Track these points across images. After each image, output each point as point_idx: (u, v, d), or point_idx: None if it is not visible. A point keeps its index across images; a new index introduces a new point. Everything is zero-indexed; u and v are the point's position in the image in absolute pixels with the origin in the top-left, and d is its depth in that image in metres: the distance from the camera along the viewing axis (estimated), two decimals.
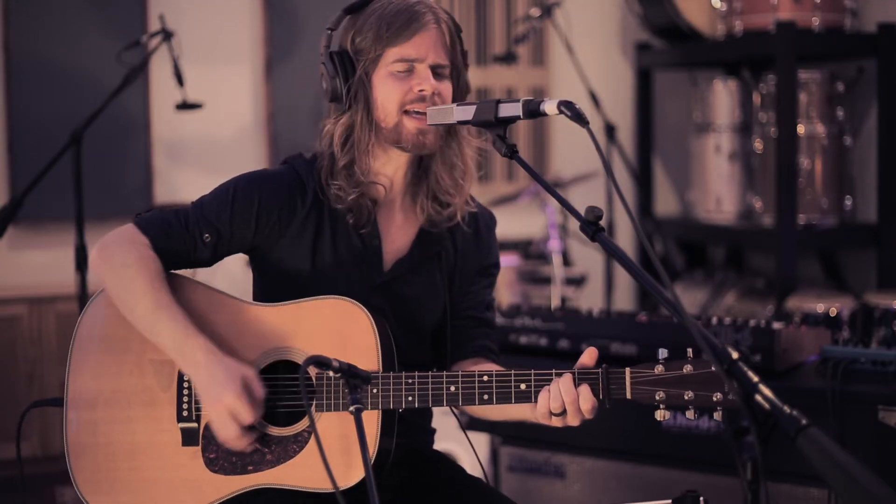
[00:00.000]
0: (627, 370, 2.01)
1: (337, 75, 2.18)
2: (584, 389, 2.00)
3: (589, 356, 2.04)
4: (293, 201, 2.21)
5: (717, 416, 1.98)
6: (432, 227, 2.28)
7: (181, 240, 2.17)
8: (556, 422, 2.03)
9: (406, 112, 2.16)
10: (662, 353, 2.01)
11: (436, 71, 2.17)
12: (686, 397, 1.97)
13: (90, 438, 2.16)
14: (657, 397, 1.99)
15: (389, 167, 2.24)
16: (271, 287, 2.26)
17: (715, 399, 1.96)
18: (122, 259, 2.13)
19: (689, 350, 1.99)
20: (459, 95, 2.25)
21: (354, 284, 2.21)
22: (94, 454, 2.16)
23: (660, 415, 2.00)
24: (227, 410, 2.04)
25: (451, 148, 2.25)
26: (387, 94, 2.16)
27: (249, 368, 2.08)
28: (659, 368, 1.99)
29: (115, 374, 2.17)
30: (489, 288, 2.38)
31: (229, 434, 2.06)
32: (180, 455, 2.14)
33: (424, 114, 2.14)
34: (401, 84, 2.16)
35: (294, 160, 2.28)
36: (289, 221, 2.20)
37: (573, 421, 2.02)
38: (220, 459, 2.13)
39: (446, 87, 2.19)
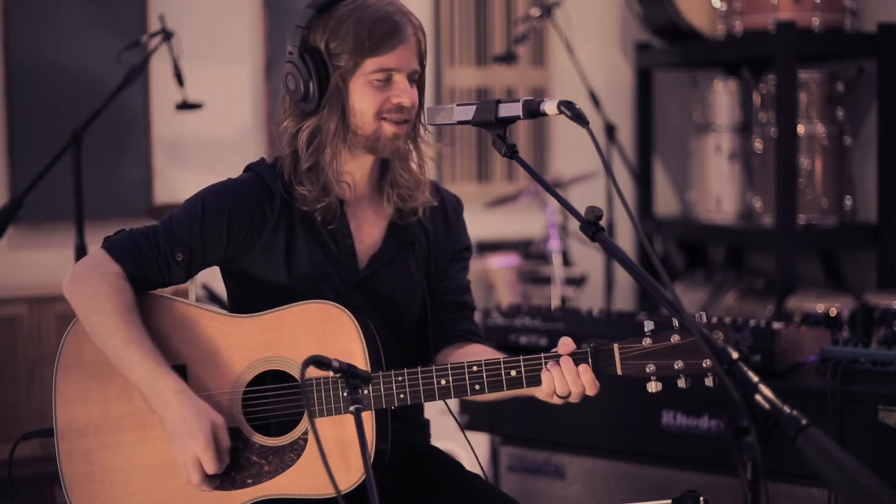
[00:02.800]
0: (615, 346, 2.00)
1: (311, 77, 2.15)
2: (590, 379, 2.00)
3: (565, 346, 2.04)
4: (262, 209, 2.19)
5: (709, 382, 1.97)
6: (401, 220, 2.28)
7: (154, 263, 2.16)
8: (557, 401, 2.05)
9: (383, 118, 2.16)
10: (648, 324, 1.99)
11: (411, 78, 2.18)
12: (676, 367, 1.97)
13: (85, 467, 2.14)
14: (647, 370, 1.98)
15: (354, 166, 2.23)
16: (248, 296, 2.24)
17: (705, 365, 1.96)
18: (93, 291, 2.11)
19: (675, 320, 1.98)
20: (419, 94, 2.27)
21: (332, 285, 2.21)
22: (90, 483, 2.14)
23: (651, 387, 1.99)
24: (193, 459, 2.06)
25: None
26: (364, 101, 2.15)
27: (219, 416, 2.08)
28: (646, 341, 1.99)
29: (103, 399, 2.15)
30: (464, 271, 2.39)
31: (193, 480, 2.08)
32: (177, 475, 2.12)
33: (402, 122, 2.16)
34: (379, 93, 2.15)
35: (258, 166, 2.26)
36: (260, 229, 2.19)
37: (575, 401, 2.04)
38: (218, 475, 2.12)
39: (416, 93, 2.21)
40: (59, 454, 2.14)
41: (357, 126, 2.17)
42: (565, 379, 2.00)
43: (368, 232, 2.27)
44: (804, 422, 1.50)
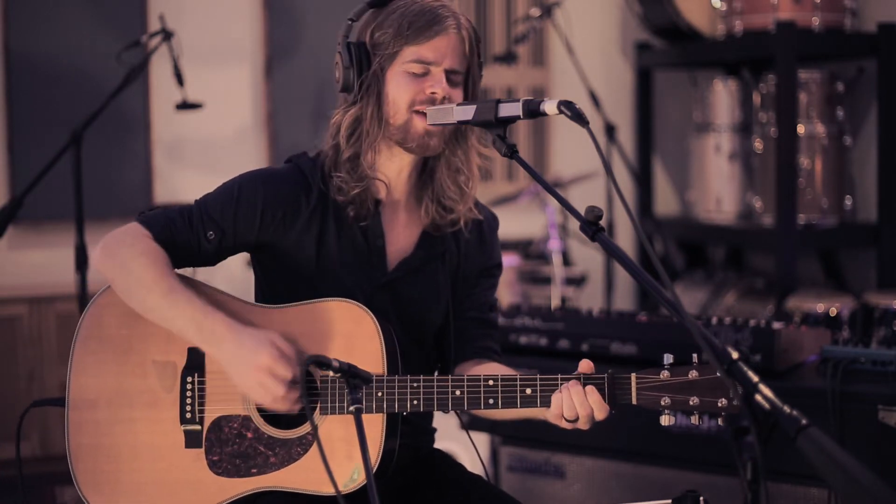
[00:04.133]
0: (633, 376, 2.00)
1: (352, 66, 2.17)
2: (597, 400, 2.00)
3: (586, 368, 2.04)
4: (297, 200, 2.20)
5: (721, 421, 1.98)
6: (435, 231, 2.28)
7: (185, 236, 2.17)
8: (566, 425, 2.04)
9: (416, 111, 2.16)
10: (668, 358, 2.00)
11: (449, 77, 2.17)
12: (691, 403, 1.98)
13: (92, 439, 2.15)
14: (662, 403, 1.99)
15: (392, 166, 2.23)
16: (275, 285, 2.25)
17: (720, 405, 1.97)
18: (127, 253, 2.12)
19: (695, 356, 1.99)
20: None
21: (358, 283, 2.21)
22: (95, 455, 2.15)
23: (665, 420, 2.00)
24: (266, 371, 2.01)
25: (457, 154, 2.24)
26: (399, 90, 2.16)
27: (272, 332, 2.06)
28: (664, 374, 1.99)
29: (118, 374, 2.16)
30: (492, 289, 2.38)
31: (276, 393, 2.02)
32: (183, 457, 2.13)
33: None
34: (414, 83, 2.16)
35: (298, 159, 2.27)
36: (293, 220, 2.20)
37: (584, 427, 2.03)
38: (224, 462, 2.12)
39: (458, 94, 2.19)
40: (69, 424, 2.15)
41: (389, 115, 2.17)
42: (573, 401, 2.00)
43: (401, 236, 2.27)
44: (804, 422, 1.50)
